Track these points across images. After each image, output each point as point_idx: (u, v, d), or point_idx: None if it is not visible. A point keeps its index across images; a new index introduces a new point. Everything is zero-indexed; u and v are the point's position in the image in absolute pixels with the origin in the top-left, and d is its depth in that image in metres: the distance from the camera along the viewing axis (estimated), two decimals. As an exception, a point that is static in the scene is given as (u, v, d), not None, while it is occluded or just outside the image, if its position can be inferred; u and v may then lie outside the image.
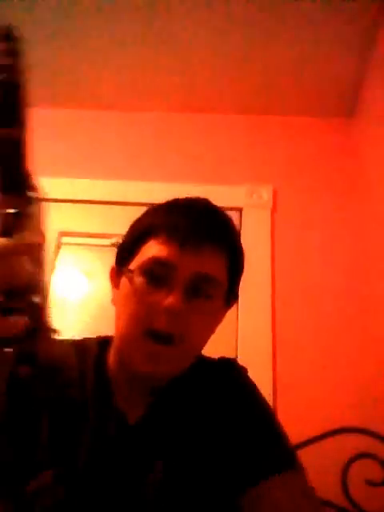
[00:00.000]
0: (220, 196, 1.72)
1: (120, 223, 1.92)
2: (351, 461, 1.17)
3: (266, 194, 1.71)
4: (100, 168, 1.80)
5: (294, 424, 1.31)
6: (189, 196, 0.72)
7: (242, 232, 1.65)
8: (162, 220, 0.65)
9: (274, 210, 1.69)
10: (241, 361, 1.38)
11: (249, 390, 0.70)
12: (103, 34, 1.62)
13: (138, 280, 0.62)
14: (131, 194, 1.71)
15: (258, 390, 0.71)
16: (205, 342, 0.66)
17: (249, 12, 1.49)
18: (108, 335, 0.73)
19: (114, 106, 1.89)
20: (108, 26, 1.59)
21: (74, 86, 1.85)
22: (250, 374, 0.77)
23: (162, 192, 1.70)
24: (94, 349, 0.71)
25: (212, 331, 0.67)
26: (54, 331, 0.41)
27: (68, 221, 1.69)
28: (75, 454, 0.58)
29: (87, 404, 0.63)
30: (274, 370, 1.39)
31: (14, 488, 0.39)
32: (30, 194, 0.38)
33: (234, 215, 1.70)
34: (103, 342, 0.72)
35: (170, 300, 0.59)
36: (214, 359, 0.73)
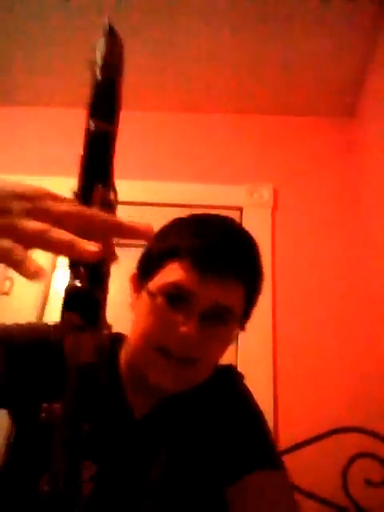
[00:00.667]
0: (220, 195, 1.73)
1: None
2: (351, 460, 1.17)
3: (266, 193, 1.71)
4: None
5: (294, 424, 1.32)
6: (215, 213, 0.72)
7: (242, 231, 1.66)
8: (188, 242, 0.65)
9: (274, 209, 1.69)
10: (241, 361, 1.39)
11: (243, 395, 0.76)
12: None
13: (159, 300, 0.64)
14: (131, 194, 1.71)
15: (251, 395, 0.76)
16: (217, 362, 0.70)
17: (249, 12, 1.49)
18: (119, 332, 0.75)
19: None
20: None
21: (73, 86, 1.85)
22: (251, 375, 0.83)
23: (162, 192, 1.72)
24: (106, 343, 0.72)
25: (223, 353, 0.70)
26: (108, 326, 0.42)
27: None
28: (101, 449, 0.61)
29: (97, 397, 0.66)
30: (274, 370, 1.39)
31: (66, 474, 0.40)
32: (113, 190, 0.41)
33: (234, 214, 1.71)
34: (115, 339, 0.74)
35: (186, 329, 0.61)
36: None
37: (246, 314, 0.70)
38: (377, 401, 1.32)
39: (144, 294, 0.66)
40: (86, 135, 0.42)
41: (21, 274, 0.35)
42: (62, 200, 0.39)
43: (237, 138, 1.85)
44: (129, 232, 0.39)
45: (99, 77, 0.42)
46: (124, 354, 0.72)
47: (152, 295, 0.64)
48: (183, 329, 0.61)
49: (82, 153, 0.42)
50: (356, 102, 1.77)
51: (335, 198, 1.71)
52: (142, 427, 0.67)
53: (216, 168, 1.79)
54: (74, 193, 0.40)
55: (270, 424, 0.78)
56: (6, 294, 1.53)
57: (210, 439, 0.68)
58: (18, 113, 1.95)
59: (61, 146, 1.84)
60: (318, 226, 1.65)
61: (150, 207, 1.65)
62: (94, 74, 0.42)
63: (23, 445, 0.66)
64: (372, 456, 1.15)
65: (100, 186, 0.40)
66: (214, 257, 0.63)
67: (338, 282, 1.55)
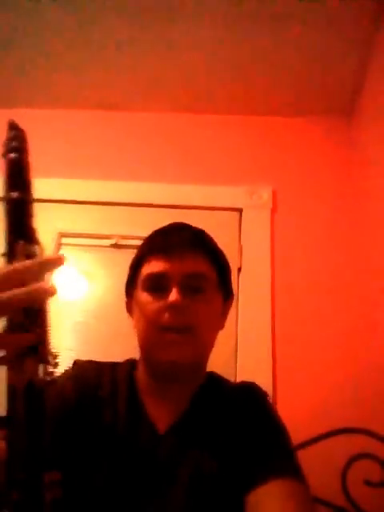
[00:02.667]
0: (220, 197, 1.74)
1: (120, 224, 1.93)
2: (351, 461, 1.17)
3: (265, 194, 1.71)
4: (100, 169, 1.80)
5: (294, 424, 1.31)
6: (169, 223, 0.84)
7: (241, 233, 1.66)
8: (150, 245, 0.80)
9: (273, 211, 1.69)
10: (240, 364, 1.39)
11: (265, 408, 0.79)
12: (104, 35, 1.62)
13: (143, 296, 0.75)
14: (131, 195, 1.71)
15: (274, 409, 0.80)
16: (211, 331, 0.78)
17: (249, 13, 1.50)
18: (133, 358, 0.84)
19: (114, 107, 1.90)
20: (109, 27, 1.59)
21: (73, 87, 1.85)
22: (249, 377, 0.85)
23: (162, 193, 1.72)
24: (124, 367, 0.81)
25: (215, 322, 0.79)
26: (55, 355, 0.49)
27: (68, 221, 1.69)
28: (104, 461, 0.67)
29: (118, 416, 0.72)
30: (274, 369, 1.40)
31: (27, 478, 0.45)
32: (35, 244, 0.49)
33: (233, 216, 1.71)
34: (132, 362, 0.83)
35: (170, 298, 0.71)
36: (236, 383, 0.83)
37: (223, 283, 0.80)
38: (376, 402, 1.32)
39: (133, 302, 0.79)
40: (6, 204, 0.50)
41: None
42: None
43: (236, 140, 1.85)
44: (45, 267, 0.47)
45: (9, 157, 0.51)
46: (140, 368, 0.79)
47: (138, 295, 0.76)
48: (170, 299, 0.71)
49: (4, 218, 0.49)
50: (355, 103, 1.77)
51: (334, 199, 1.71)
52: (166, 440, 0.71)
53: (215, 169, 1.79)
54: (2, 254, 0.48)
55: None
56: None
57: (234, 450, 0.70)
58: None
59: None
60: (317, 227, 1.66)
61: (150, 209, 1.65)
62: (5, 157, 0.52)
63: None
64: (371, 457, 1.15)
65: (22, 242, 0.48)
66: (171, 242, 0.76)
67: (338, 282, 1.55)
